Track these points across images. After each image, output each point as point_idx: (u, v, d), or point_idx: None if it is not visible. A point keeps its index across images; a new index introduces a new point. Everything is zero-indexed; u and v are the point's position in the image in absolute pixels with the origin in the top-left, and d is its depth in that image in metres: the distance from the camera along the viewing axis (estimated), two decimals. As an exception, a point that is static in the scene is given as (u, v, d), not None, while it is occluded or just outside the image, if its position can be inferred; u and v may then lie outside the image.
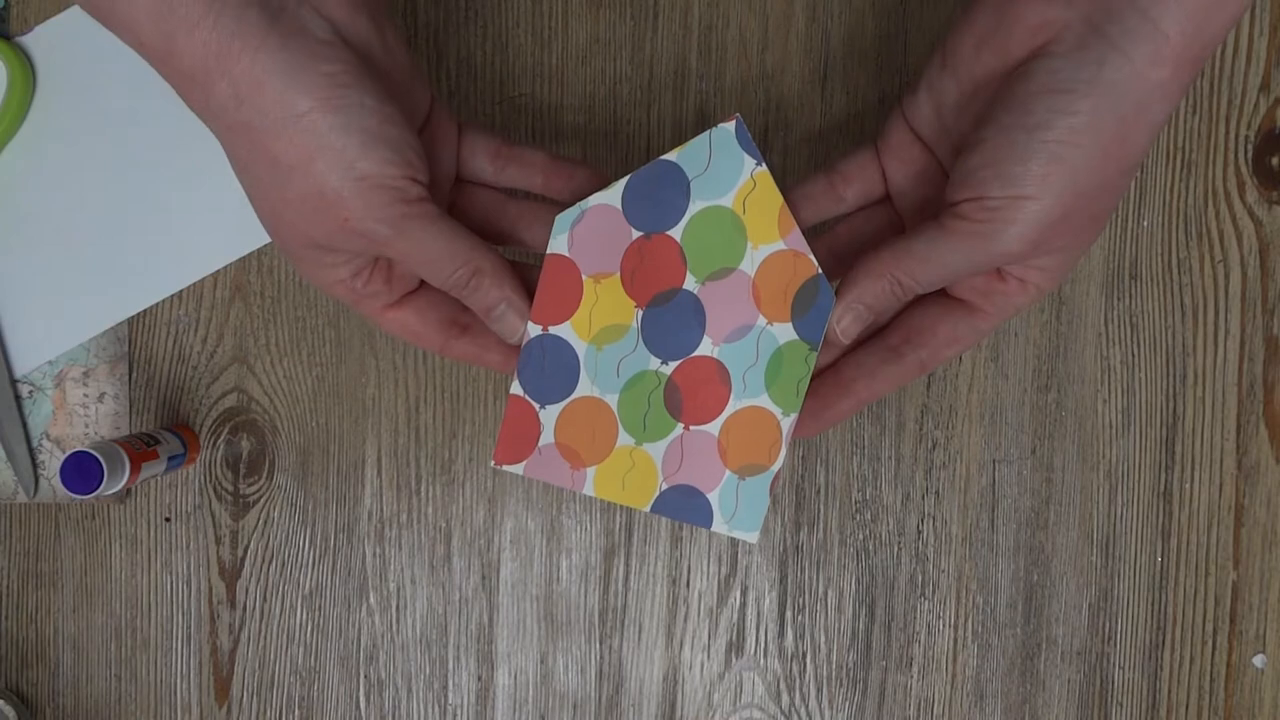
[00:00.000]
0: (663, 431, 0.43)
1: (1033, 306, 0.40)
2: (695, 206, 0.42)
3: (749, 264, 0.42)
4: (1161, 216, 0.54)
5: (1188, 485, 0.54)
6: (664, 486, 0.44)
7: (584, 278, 0.43)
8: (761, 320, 0.42)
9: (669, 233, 0.42)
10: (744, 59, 0.54)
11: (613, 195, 0.42)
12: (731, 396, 0.43)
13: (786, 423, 0.43)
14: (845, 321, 0.41)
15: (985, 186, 0.37)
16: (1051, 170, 0.35)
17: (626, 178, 0.42)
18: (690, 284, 0.42)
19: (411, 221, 0.38)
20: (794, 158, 0.54)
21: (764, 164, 0.41)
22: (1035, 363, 0.54)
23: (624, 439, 0.44)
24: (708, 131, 0.41)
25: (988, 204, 0.37)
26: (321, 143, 0.35)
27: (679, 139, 0.54)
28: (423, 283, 0.42)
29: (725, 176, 0.41)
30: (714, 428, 0.43)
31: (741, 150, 0.41)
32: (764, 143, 0.54)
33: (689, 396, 0.43)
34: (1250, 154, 0.54)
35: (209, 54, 0.34)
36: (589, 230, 0.42)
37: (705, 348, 0.43)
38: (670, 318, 0.43)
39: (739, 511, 0.43)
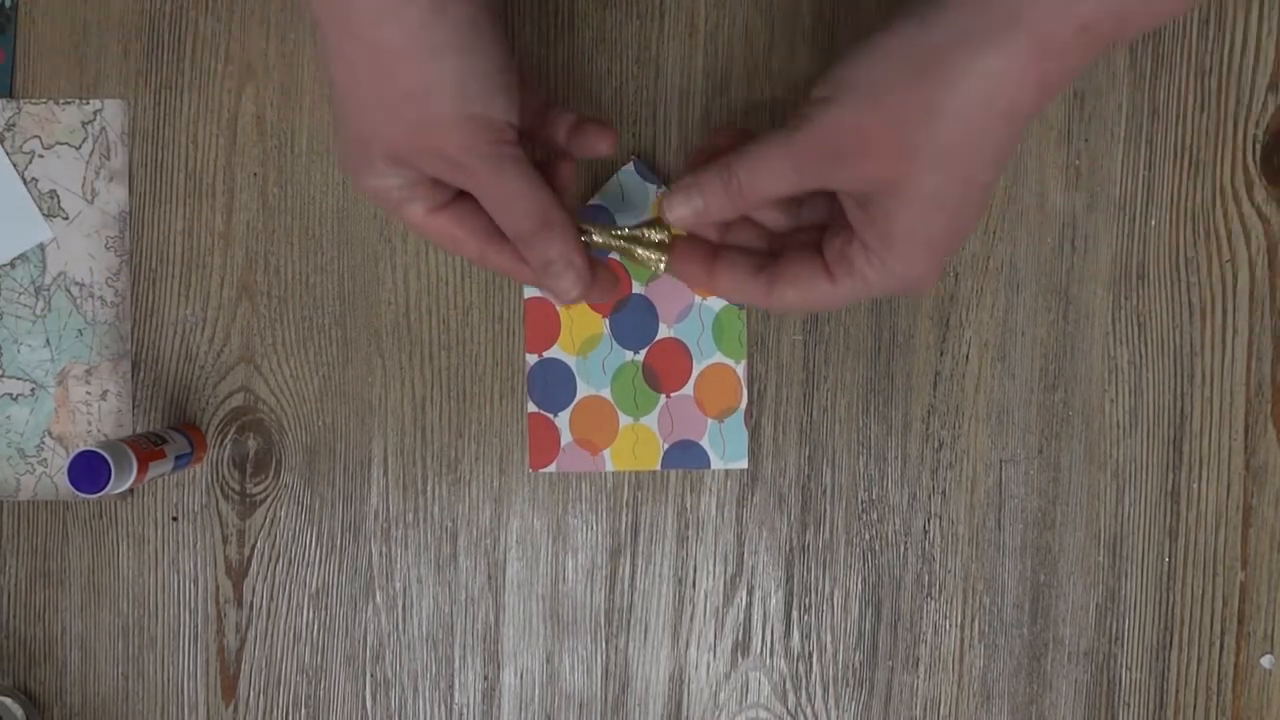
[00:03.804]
0: (651, 405, 0.54)
1: (869, 296, 0.41)
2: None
3: None
4: (1169, 215, 0.54)
5: (1195, 485, 0.54)
6: (665, 447, 0.54)
7: (558, 308, 0.53)
8: (697, 299, 0.53)
9: (610, 255, 0.52)
10: (750, 58, 0.54)
11: None
12: (694, 362, 0.53)
13: (740, 368, 0.53)
14: (673, 200, 0.42)
15: (812, 90, 0.38)
16: (850, 76, 0.37)
17: None
18: (637, 288, 0.53)
19: (504, 162, 0.40)
20: (800, 157, 0.54)
21: (664, 186, 0.52)
22: (1042, 362, 0.54)
23: (624, 420, 0.54)
24: (616, 174, 0.52)
25: (805, 104, 0.38)
26: (445, 80, 0.37)
27: (684, 139, 0.54)
28: (458, 193, 0.43)
29: (639, 203, 0.53)
30: (689, 389, 0.54)
31: (644, 181, 0.53)
32: (770, 142, 0.54)
33: (662, 372, 0.54)
34: (1259, 153, 0.54)
35: None
36: None
37: (663, 331, 0.54)
38: (630, 317, 0.54)
39: (727, 448, 0.54)
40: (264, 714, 0.55)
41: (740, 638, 0.55)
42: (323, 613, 0.55)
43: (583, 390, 0.54)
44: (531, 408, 0.54)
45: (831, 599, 0.55)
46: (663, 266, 0.46)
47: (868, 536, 0.55)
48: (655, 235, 0.46)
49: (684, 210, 0.41)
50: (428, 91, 0.38)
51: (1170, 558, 0.54)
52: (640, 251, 0.46)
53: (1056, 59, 0.34)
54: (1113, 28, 0.34)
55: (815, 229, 0.44)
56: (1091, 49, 0.34)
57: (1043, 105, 0.36)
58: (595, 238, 0.45)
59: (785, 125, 0.39)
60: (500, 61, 0.39)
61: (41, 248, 0.54)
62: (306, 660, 0.55)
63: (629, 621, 0.55)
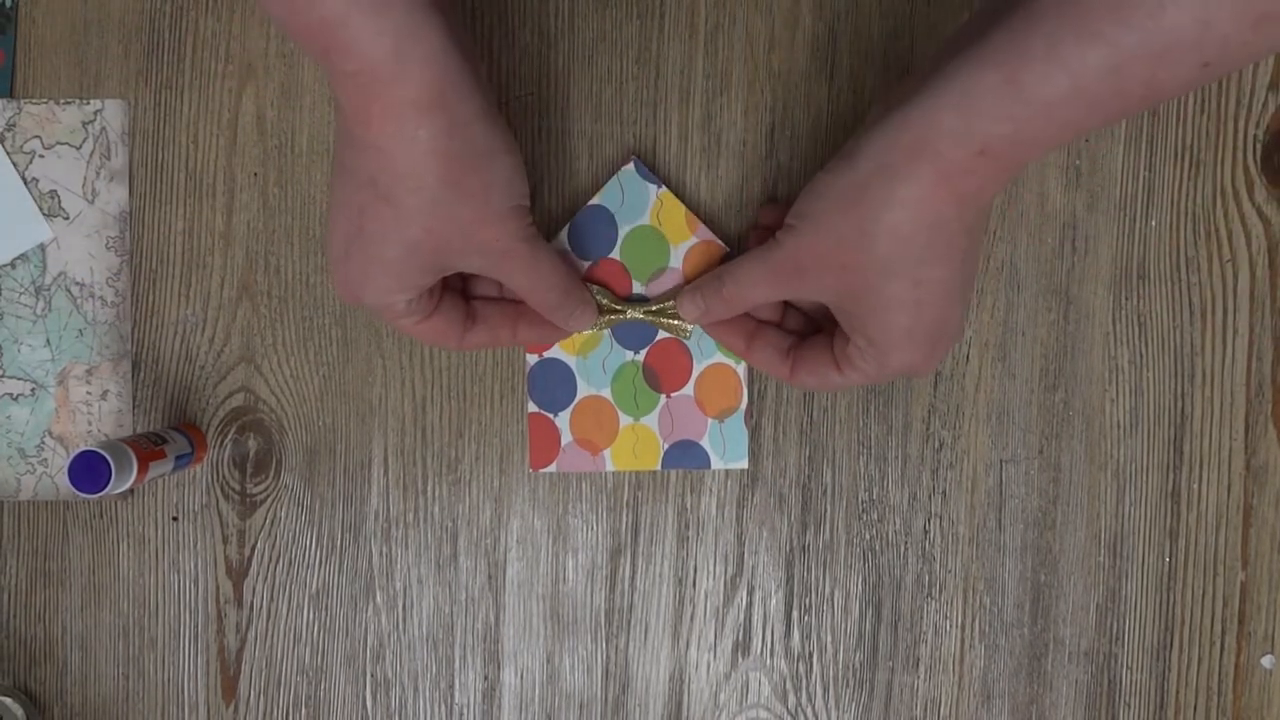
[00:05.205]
0: (651, 405, 0.54)
1: (875, 383, 0.48)
2: (623, 230, 0.53)
3: (675, 259, 0.53)
4: (1170, 216, 0.54)
5: (1196, 485, 0.54)
6: (666, 447, 0.54)
7: None
8: None
9: (610, 255, 0.53)
10: (750, 58, 0.54)
11: (561, 241, 0.53)
12: (694, 362, 0.53)
13: (740, 368, 0.53)
14: (683, 302, 0.50)
15: (788, 217, 0.45)
16: (804, 209, 0.43)
17: (566, 226, 0.53)
18: (637, 288, 0.53)
19: (536, 242, 0.45)
20: (799, 157, 0.54)
21: (664, 186, 0.53)
22: (1043, 362, 0.54)
23: (624, 420, 0.54)
24: (616, 174, 0.53)
25: (781, 229, 0.45)
26: (503, 176, 0.42)
27: (685, 139, 0.54)
28: (443, 294, 0.47)
29: (639, 203, 0.53)
30: (689, 390, 0.53)
31: (645, 181, 0.53)
32: (770, 142, 0.54)
33: (662, 372, 0.53)
34: (1259, 153, 0.54)
35: (434, 89, 0.38)
36: None
37: (663, 332, 0.53)
38: None
39: (727, 448, 0.54)
40: (264, 714, 0.55)
41: (740, 638, 0.55)
42: (323, 613, 0.55)
43: (583, 390, 0.54)
44: (532, 408, 0.54)
45: (832, 599, 0.55)
46: (689, 330, 0.52)
47: (868, 536, 0.55)
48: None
49: (693, 310, 0.50)
50: (489, 190, 0.42)
51: (1170, 558, 0.54)
52: (668, 321, 0.52)
53: (964, 178, 0.39)
54: (1010, 150, 0.38)
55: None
56: (999, 166, 0.38)
57: (978, 208, 0.40)
58: (629, 314, 0.52)
59: (763, 245, 0.46)
60: (521, 153, 0.44)
61: (42, 248, 0.54)
62: (307, 660, 0.55)
63: (629, 621, 0.55)
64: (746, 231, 0.54)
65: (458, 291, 0.49)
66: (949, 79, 0.38)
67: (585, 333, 0.53)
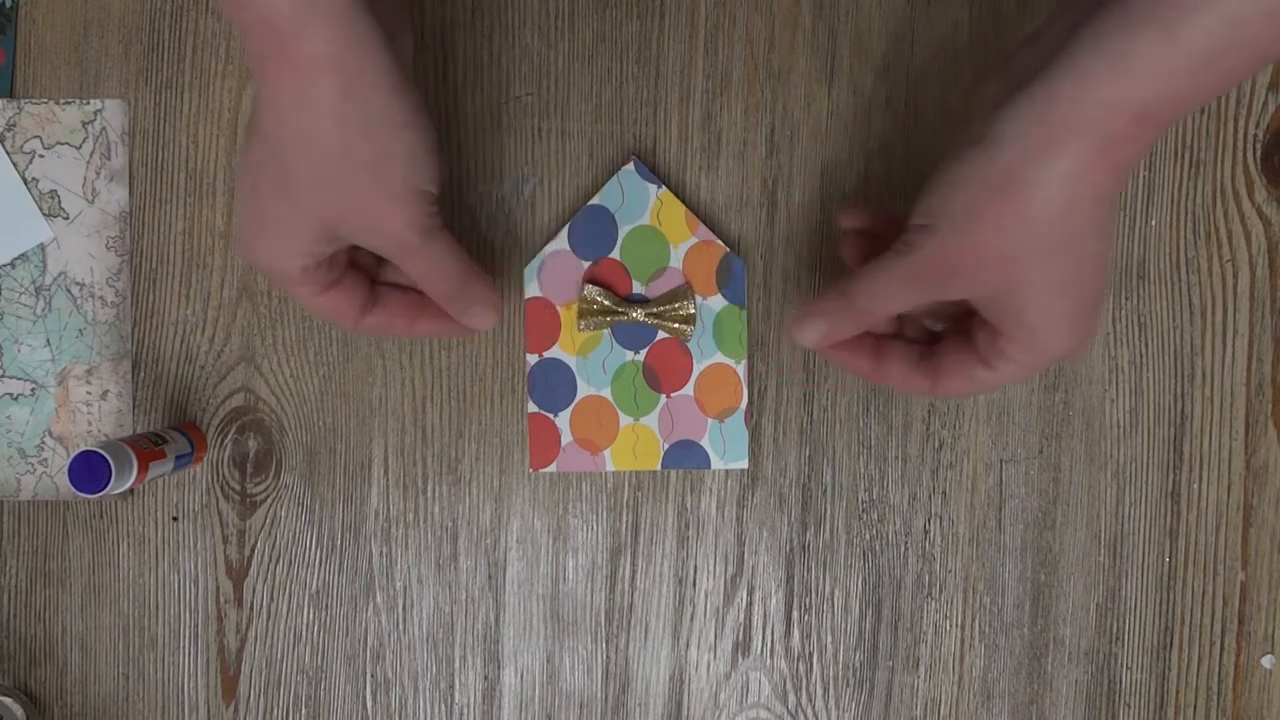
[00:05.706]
0: (651, 405, 0.54)
1: (1031, 375, 0.45)
2: (623, 230, 0.53)
3: (675, 259, 0.53)
4: (1170, 216, 0.54)
5: (1196, 485, 0.54)
6: (666, 447, 0.54)
7: (558, 308, 0.53)
8: (698, 298, 0.53)
9: (610, 255, 0.53)
10: (750, 58, 0.54)
11: (561, 241, 0.53)
12: (694, 362, 0.53)
13: (740, 368, 0.53)
14: (803, 327, 0.45)
15: (911, 217, 0.42)
16: (941, 205, 0.40)
17: (566, 226, 0.53)
18: (638, 288, 0.53)
19: (435, 234, 0.43)
20: (799, 157, 0.54)
21: (664, 186, 0.53)
22: (1043, 362, 0.54)
23: (624, 420, 0.54)
24: (616, 174, 0.53)
25: (908, 230, 0.42)
26: (401, 151, 0.40)
27: (685, 139, 0.54)
28: (346, 269, 0.45)
29: (638, 203, 0.53)
30: (689, 389, 0.54)
31: (645, 181, 0.53)
32: (770, 142, 0.54)
33: (663, 372, 0.53)
34: (1259, 153, 0.54)
35: (334, 48, 0.37)
36: (550, 272, 0.53)
37: (663, 332, 0.53)
38: None
39: (727, 448, 0.54)
40: (264, 714, 0.55)
41: (740, 638, 0.55)
42: (323, 613, 0.55)
43: (583, 390, 0.54)
44: (532, 408, 0.54)
45: (832, 599, 0.55)
46: (690, 333, 0.52)
47: (868, 536, 0.55)
48: (683, 310, 0.52)
49: (814, 335, 0.45)
50: (384, 164, 0.40)
51: (1170, 558, 0.54)
52: (670, 325, 0.52)
53: (1122, 147, 0.36)
54: (1171, 110, 0.36)
55: (963, 313, 0.46)
56: (1156, 128, 0.36)
57: (1129, 172, 0.38)
58: (632, 316, 0.52)
59: (893, 249, 0.42)
60: (437, 138, 0.42)
61: (42, 248, 0.54)
62: (307, 660, 0.55)
63: (629, 621, 0.55)
64: (839, 238, 0.49)
65: (365, 272, 0.47)
66: (1094, 44, 0.36)
67: (586, 333, 0.53)
